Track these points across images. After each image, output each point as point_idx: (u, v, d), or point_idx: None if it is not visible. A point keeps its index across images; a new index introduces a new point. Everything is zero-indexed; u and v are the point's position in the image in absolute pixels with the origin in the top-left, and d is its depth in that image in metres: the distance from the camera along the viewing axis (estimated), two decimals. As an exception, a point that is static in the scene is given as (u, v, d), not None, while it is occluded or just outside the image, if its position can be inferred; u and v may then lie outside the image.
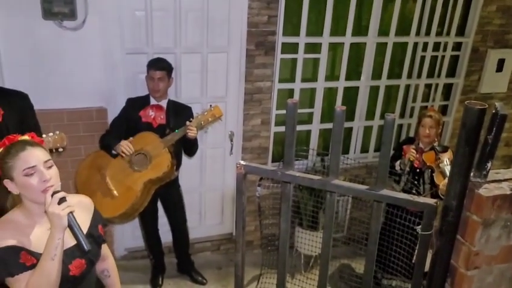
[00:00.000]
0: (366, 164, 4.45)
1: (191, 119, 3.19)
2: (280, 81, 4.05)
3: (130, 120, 3.29)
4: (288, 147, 1.62)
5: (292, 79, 4.14)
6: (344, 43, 4.14)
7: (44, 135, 2.66)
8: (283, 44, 3.93)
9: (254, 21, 3.76)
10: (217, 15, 3.69)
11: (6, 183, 1.60)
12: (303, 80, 4.15)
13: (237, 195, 1.70)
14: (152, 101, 3.31)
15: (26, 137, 1.68)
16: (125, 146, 3.10)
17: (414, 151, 3.32)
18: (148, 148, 3.16)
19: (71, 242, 1.63)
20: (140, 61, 3.55)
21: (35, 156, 1.59)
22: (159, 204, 3.61)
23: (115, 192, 3.16)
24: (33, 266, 1.56)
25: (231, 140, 4.04)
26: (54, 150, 2.72)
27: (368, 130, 4.59)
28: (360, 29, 4.24)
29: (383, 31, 4.23)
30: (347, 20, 4.05)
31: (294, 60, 4.07)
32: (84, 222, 1.74)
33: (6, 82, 3.01)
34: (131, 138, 3.15)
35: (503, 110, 1.34)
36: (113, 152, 3.19)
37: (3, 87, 2.86)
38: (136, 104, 3.32)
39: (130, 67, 3.59)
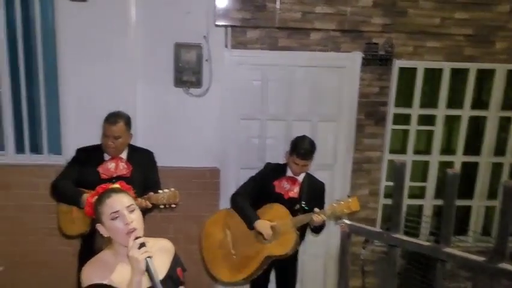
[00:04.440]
0: (487, 249, 4.01)
1: (323, 200, 3.14)
2: (390, 151, 3.96)
3: (263, 186, 3.22)
4: (395, 208, 1.57)
5: (403, 150, 4.02)
6: (461, 115, 3.96)
7: (160, 191, 2.87)
8: (394, 114, 3.89)
9: (365, 92, 3.82)
10: (328, 86, 3.83)
11: (99, 227, 1.78)
12: (415, 152, 4.01)
13: (341, 254, 1.66)
14: (289, 172, 3.22)
15: (115, 186, 1.87)
16: (267, 231, 3.04)
17: None
18: (277, 222, 3.07)
19: (149, 283, 1.71)
20: (254, 126, 3.78)
21: (119, 202, 1.74)
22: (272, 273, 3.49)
23: (234, 257, 3.17)
24: None
25: (340, 219, 3.94)
26: (167, 206, 2.89)
27: (490, 210, 4.18)
28: (480, 101, 4.04)
29: (508, 105, 3.98)
30: (464, 93, 3.91)
31: (406, 131, 3.98)
32: (164, 264, 1.84)
33: (138, 140, 3.38)
34: (274, 223, 3.05)
35: None
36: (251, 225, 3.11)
37: (134, 145, 3.21)
38: (273, 171, 3.26)
39: (244, 132, 3.82)
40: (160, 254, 1.84)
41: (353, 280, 3.83)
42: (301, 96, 3.84)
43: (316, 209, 3.04)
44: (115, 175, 2.94)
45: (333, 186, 3.90)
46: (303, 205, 3.15)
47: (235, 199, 3.23)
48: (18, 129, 3.68)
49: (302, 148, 3.11)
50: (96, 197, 1.82)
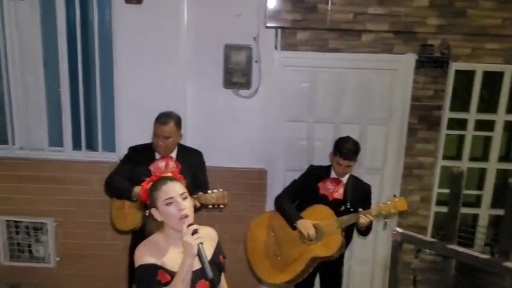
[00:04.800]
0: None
1: (369, 201, 3.09)
2: (444, 157, 3.81)
3: (307, 188, 3.21)
4: (451, 218, 1.51)
5: (458, 157, 3.86)
6: (522, 121, 3.76)
7: (209, 191, 2.92)
8: (449, 119, 3.75)
9: (418, 95, 3.70)
10: (379, 89, 3.75)
11: (153, 211, 1.90)
12: (471, 159, 3.83)
13: (391, 264, 1.62)
14: (333, 174, 3.19)
15: (169, 174, 1.98)
16: (308, 230, 3.02)
17: None
18: (321, 223, 3.05)
19: (198, 265, 1.84)
20: (301, 128, 3.76)
21: (173, 189, 1.87)
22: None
23: (279, 259, 3.17)
24: (167, 283, 1.81)
25: (386, 219, 3.86)
26: (216, 206, 2.94)
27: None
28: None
29: None
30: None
31: (462, 137, 3.82)
32: (209, 251, 1.96)
33: (187, 140, 3.45)
34: (317, 222, 3.04)
35: None
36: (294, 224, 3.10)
37: (183, 144, 3.27)
38: (317, 173, 3.24)
39: (291, 134, 3.81)
40: (207, 241, 1.94)
41: (401, 288, 3.72)
42: (350, 99, 3.78)
43: (361, 210, 3.00)
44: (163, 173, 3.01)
45: (382, 191, 3.82)
46: (348, 206, 3.11)
47: (278, 201, 3.24)
48: (76, 127, 3.84)
49: (345, 148, 3.08)
50: (151, 183, 1.93)
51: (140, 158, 3.06)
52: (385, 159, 3.87)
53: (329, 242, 3.04)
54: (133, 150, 3.16)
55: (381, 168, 3.87)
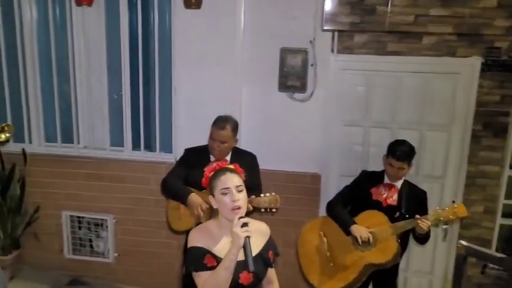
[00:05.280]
0: None
1: (426, 208, 2.99)
2: (511, 167, 3.59)
3: (360, 194, 3.15)
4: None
5: (527, 166, 3.62)
6: None
7: (262, 195, 2.91)
8: (518, 126, 3.53)
9: (483, 101, 3.51)
10: (440, 93, 3.59)
11: (210, 198, 2.03)
12: (542, 169, 3.58)
13: (454, 277, 1.54)
14: (386, 179, 3.12)
15: (231, 166, 2.08)
16: (364, 234, 2.95)
17: None
18: (375, 229, 2.99)
19: (243, 257, 1.90)
20: (357, 133, 3.68)
21: (231, 180, 1.96)
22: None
23: (332, 265, 3.12)
24: (212, 268, 1.92)
25: (445, 225, 3.70)
26: (268, 210, 2.91)
27: None
28: None
29: None
30: None
31: (531, 145, 3.58)
32: (258, 245, 2.05)
33: (242, 142, 3.47)
34: (372, 230, 2.98)
35: None
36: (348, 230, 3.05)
37: (238, 147, 3.30)
38: (369, 178, 3.18)
39: (346, 138, 3.74)
40: (257, 235, 2.02)
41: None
42: (409, 104, 3.64)
43: (417, 216, 2.88)
44: None
45: (442, 200, 3.66)
46: (403, 212, 3.01)
47: (330, 206, 3.21)
48: (135, 129, 3.99)
49: (399, 150, 3.00)
50: (213, 172, 2.04)
51: (195, 160, 3.11)
52: (446, 167, 3.70)
53: (384, 249, 2.96)
54: (189, 152, 3.23)
55: (441, 177, 3.71)
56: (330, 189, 3.66)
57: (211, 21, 3.57)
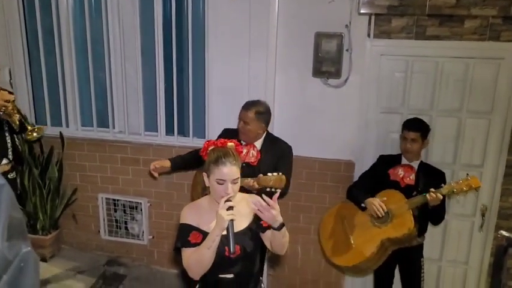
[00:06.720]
0: None
1: (442, 185, 3.00)
2: (555, 156, 3.45)
3: (377, 176, 3.26)
4: None
5: None
6: None
7: (269, 174, 2.90)
8: None
9: (527, 87, 3.36)
10: (481, 80, 3.45)
11: (204, 175, 2.10)
12: None
13: (494, 269, 1.50)
14: (404, 161, 3.23)
15: (231, 144, 2.12)
16: (378, 207, 3.04)
17: None
18: (391, 206, 3.07)
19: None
20: (394, 121, 3.59)
21: (229, 173, 2.02)
22: (397, 271, 3.43)
23: (352, 242, 3.19)
24: (196, 244, 2.04)
25: (483, 215, 3.60)
26: (274, 190, 2.83)
27: None
28: None
29: None
30: None
31: None
32: (248, 216, 2.15)
33: (275, 129, 3.46)
34: (384, 199, 3.08)
35: None
36: (362, 205, 3.18)
37: (274, 135, 3.28)
38: (387, 161, 3.30)
39: (383, 126, 3.65)
40: (247, 207, 2.12)
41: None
42: (449, 90, 3.52)
43: (432, 189, 2.94)
44: (243, 161, 3.06)
45: (481, 189, 3.52)
46: (420, 190, 3.06)
47: (350, 190, 3.32)
48: (169, 114, 4.03)
49: (410, 121, 3.19)
50: (214, 151, 2.08)
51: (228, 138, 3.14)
52: (485, 156, 3.58)
53: (400, 223, 3.03)
54: (225, 131, 3.29)
55: (480, 166, 3.59)
56: (363, 177, 3.61)
57: (245, 6, 3.52)
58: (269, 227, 2.11)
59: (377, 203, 3.05)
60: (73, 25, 4.02)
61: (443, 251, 3.80)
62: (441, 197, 2.93)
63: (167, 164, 3.30)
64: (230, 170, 2.01)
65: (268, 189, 2.87)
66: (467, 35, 3.36)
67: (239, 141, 3.13)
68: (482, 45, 3.35)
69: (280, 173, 2.91)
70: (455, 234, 3.74)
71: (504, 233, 1.48)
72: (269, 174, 2.90)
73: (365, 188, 3.24)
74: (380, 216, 3.05)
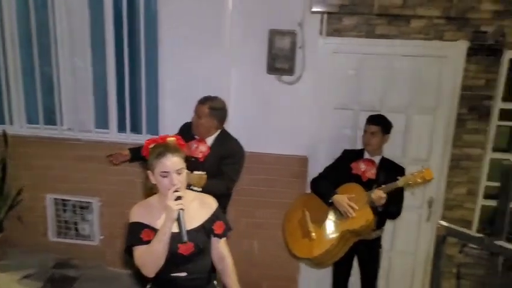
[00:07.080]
0: None
1: (398, 178, 3.06)
2: (494, 149, 3.64)
3: (341, 170, 3.30)
4: (501, 213, 1.44)
5: (510, 149, 3.68)
6: None
7: (195, 172, 2.91)
8: (501, 110, 3.57)
9: (468, 84, 3.54)
10: (427, 77, 3.60)
11: (149, 174, 2.06)
12: (523, 152, 3.65)
13: (434, 257, 1.57)
14: (366, 155, 3.29)
15: (172, 139, 2.10)
16: (349, 208, 3.06)
17: None
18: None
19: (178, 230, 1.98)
20: (347, 116, 3.69)
21: (171, 164, 1.99)
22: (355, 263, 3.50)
23: (313, 234, 3.22)
24: (149, 242, 2.00)
25: (430, 206, 3.76)
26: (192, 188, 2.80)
27: None
28: None
29: None
30: None
31: (514, 128, 3.63)
32: (201, 216, 2.15)
33: (230, 125, 3.45)
34: (353, 195, 3.11)
35: None
36: (330, 201, 3.19)
37: (228, 133, 3.25)
38: (350, 155, 3.35)
39: (336, 122, 3.74)
40: (201, 207, 2.15)
41: (444, 282, 3.62)
42: (398, 87, 3.64)
43: (375, 188, 3.05)
44: (190, 155, 3.06)
45: (428, 183, 3.68)
46: (380, 184, 3.12)
47: (313, 182, 3.37)
48: (121, 110, 3.94)
49: (373, 115, 3.28)
50: (153, 145, 2.07)
51: (183, 133, 3.14)
52: (431, 150, 3.74)
53: (359, 216, 3.09)
54: (184, 126, 3.30)
55: (426, 159, 3.74)
56: (318, 172, 3.67)
57: (199, 1, 3.50)
58: (221, 235, 2.17)
59: (346, 204, 3.07)
60: (16, 15, 3.84)
61: (393, 243, 3.93)
62: (383, 196, 2.99)
63: (125, 152, 3.33)
64: (171, 161, 1.99)
65: (190, 187, 2.82)
66: (413, 34, 3.50)
67: (193, 135, 3.13)
68: (427, 44, 3.50)
69: (203, 173, 2.95)
70: (404, 225, 3.88)
71: (443, 223, 1.55)
72: (195, 172, 2.92)
73: (329, 181, 3.27)
74: (351, 217, 3.08)
